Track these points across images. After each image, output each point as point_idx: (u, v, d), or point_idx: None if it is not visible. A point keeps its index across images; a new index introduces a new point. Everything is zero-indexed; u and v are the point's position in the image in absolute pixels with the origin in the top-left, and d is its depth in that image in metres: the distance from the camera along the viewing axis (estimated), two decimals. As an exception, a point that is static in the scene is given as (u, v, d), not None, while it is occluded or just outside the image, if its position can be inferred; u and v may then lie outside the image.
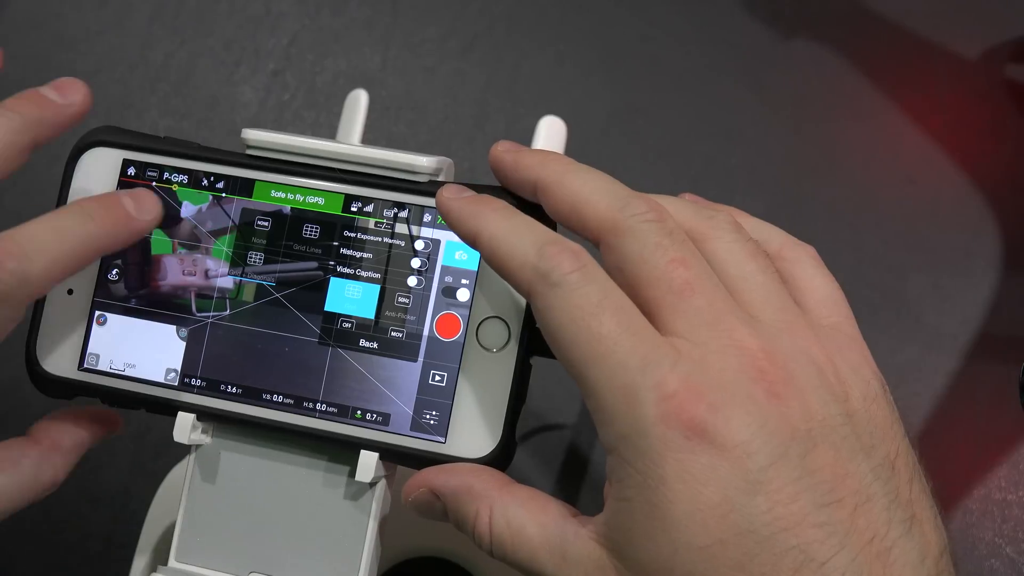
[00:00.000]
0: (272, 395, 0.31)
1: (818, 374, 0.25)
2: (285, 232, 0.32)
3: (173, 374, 0.32)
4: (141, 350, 0.32)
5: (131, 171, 0.33)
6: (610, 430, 0.25)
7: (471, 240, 0.28)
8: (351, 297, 0.32)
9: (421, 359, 0.31)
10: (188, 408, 0.32)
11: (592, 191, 0.28)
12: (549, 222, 0.29)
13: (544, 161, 0.29)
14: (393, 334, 0.31)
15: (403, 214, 0.31)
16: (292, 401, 0.31)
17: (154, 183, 0.33)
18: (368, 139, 0.51)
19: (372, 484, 0.31)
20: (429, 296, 0.31)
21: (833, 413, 0.25)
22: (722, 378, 0.25)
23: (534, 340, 0.30)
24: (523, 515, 0.27)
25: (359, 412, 0.31)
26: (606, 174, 0.29)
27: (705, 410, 0.24)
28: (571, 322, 0.25)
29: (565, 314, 0.26)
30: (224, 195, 0.32)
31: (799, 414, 0.24)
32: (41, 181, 0.55)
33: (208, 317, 0.32)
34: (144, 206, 0.30)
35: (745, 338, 0.25)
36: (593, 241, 0.28)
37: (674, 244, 0.26)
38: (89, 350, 0.32)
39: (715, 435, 0.24)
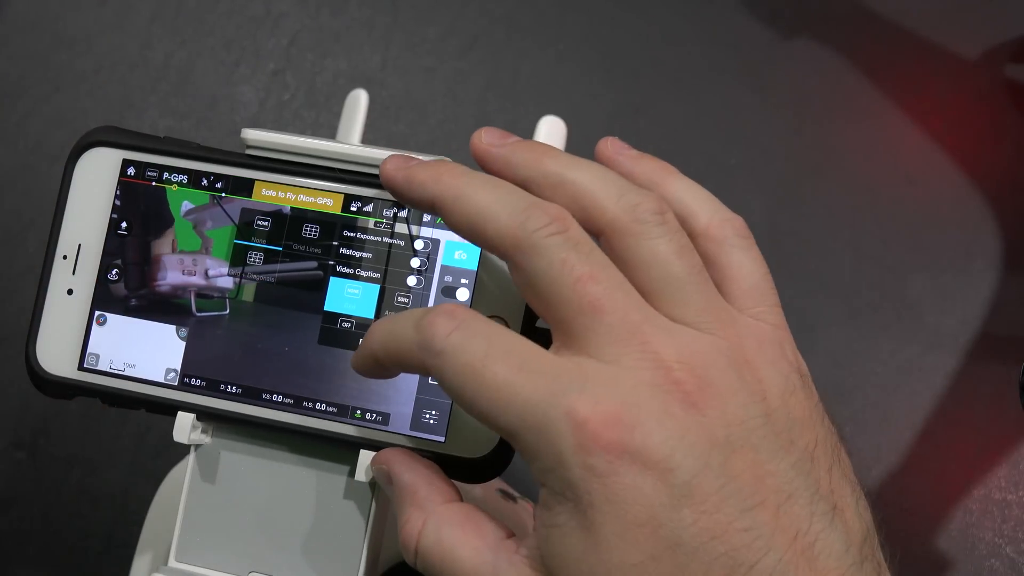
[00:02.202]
0: (272, 395, 0.31)
1: (737, 376, 0.25)
2: (285, 232, 0.32)
3: (173, 374, 0.32)
4: (141, 350, 0.32)
5: (131, 171, 0.33)
6: (536, 466, 0.25)
7: (377, 367, 0.28)
8: (351, 297, 0.32)
9: (421, 359, 0.31)
10: (188, 408, 0.32)
11: (489, 205, 0.26)
12: None
13: (438, 176, 0.28)
14: (393, 334, 0.31)
15: (403, 214, 0.31)
16: (292, 401, 0.31)
17: (154, 183, 0.33)
18: (368, 139, 0.51)
19: (372, 484, 0.31)
20: (429, 296, 0.31)
21: (752, 415, 0.25)
22: (636, 395, 0.24)
23: (533, 339, 0.30)
24: (457, 536, 0.27)
25: (359, 411, 0.31)
26: (504, 181, 0.27)
27: (621, 431, 0.24)
28: (466, 382, 0.25)
29: (458, 375, 0.25)
30: (224, 195, 0.32)
31: (718, 421, 0.24)
32: (41, 181, 0.55)
33: (208, 317, 0.32)
34: None
35: (660, 349, 0.25)
36: (500, 257, 0.27)
37: (580, 258, 0.25)
38: (89, 350, 0.32)
39: (635, 454, 0.24)
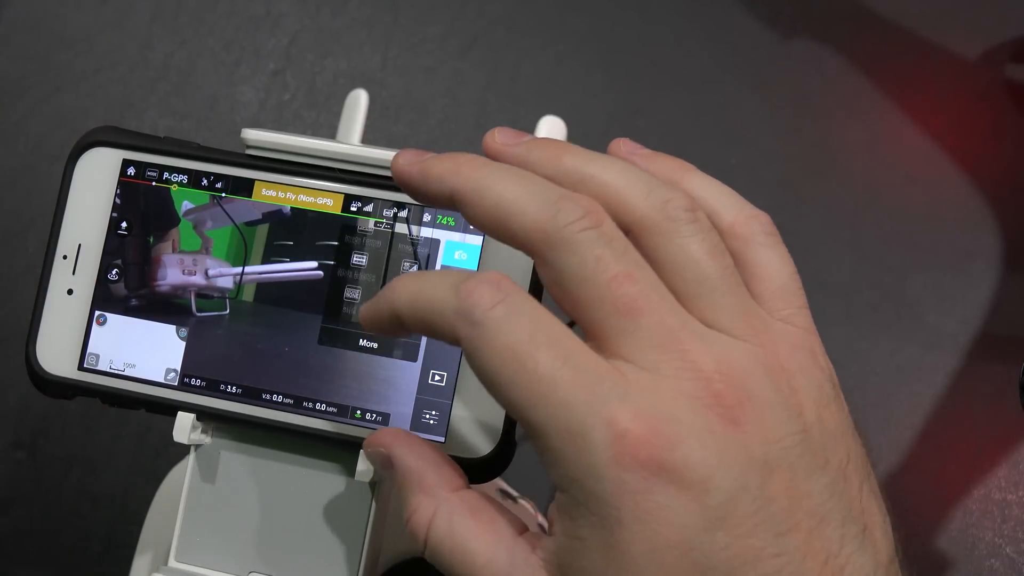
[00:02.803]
0: (272, 395, 0.31)
1: (773, 388, 0.24)
2: (285, 232, 0.32)
3: (173, 374, 0.32)
4: (141, 350, 0.32)
5: (131, 171, 0.33)
6: (560, 472, 0.24)
7: (395, 323, 0.26)
8: (351, 297, 0.32)
9: (421, 359, 0.31)
10: (188, 408, 0.32)
11: (516, 197, 0.25)
12: None
13: (456, 168, 0.26)
14: (393, 334, 0.31)
15: (403, 214, 0.31)
16: (292, 401, 0.31)
17: (154, 183, 0.33)
18: (368, 139, 0.51)
19: (372, 484, 0.31)
20: (429, 296, 0.31)
21: (790, 432, 0.24)
22: (676, 408, 0.23)
23: None
24: (470, 527, 0.26)
25: (359, 412, 0.31)
26: (527, 173, 0.26)
27: (662, 448, 0.23)
28: (503, 364, 0.23)
29: (496, 355, 0.23)
30: (224, 195, 0.32)
31: (756, 439, 0.24)
32: (41, 181, 0.55)
33: (208, 317, 0.32)
34: None
35: (699, 358, 0.24)
36: (526, 253, 0.25)
37: (616, 256, 0.24)
38: (89, 350, 0.32)
39: (672, 472, 0.23)
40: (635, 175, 0.26)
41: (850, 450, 0.25)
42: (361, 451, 0.31)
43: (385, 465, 0.28)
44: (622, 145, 0.28)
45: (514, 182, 0.25)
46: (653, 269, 0.25)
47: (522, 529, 0.26)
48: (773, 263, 0.27)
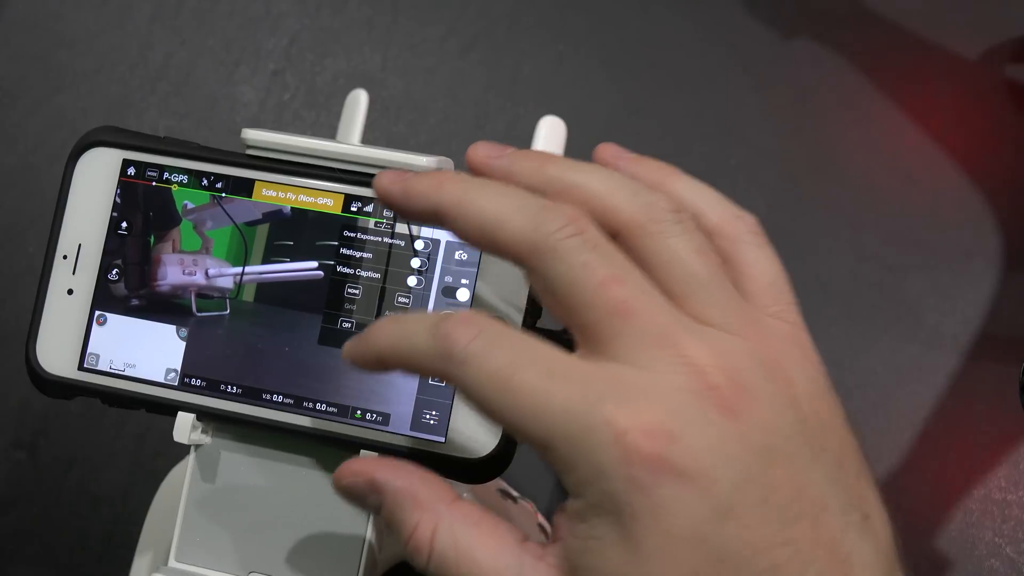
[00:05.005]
0: (272, 395, 0.31)
1: (769, 379, 0.25)
2: (285, 232, 0.32)
3: (173, 374, 0.32)
4: (141, 350, 0.32)
5: (131, 171, 0.33)
6: (572, 477, 0.24)
7: (380, 366, 0.27)
8: (351, 297, 0.32)
9: (421, 359, 0.31)
10: (188, 408, 0.32)
11: (499, 210, 0.25)
12: None
13: (438, 185, 0.26)
14: (393, 334, 0.31)
15: (403, 214, 0.31)
16: (292, 401, 0.31)
17: (154, 183, 0.33)
18: (368, 139, 0.51)
19: (372, 484, 0.31)
20: (429, 296, 0.31)
21: (788, 422, 0.24)
22: (674, 402, 0.24)
23: None
24: (473, 537, 0.26)
25: (359, 412, 0.31)
26: (509, 185, 0.26)
27: (663, 442, 0.23)
28: (493, 392, 0.24)
29: (485, 385, 0.24)
30: (224, 195, 0.32)
31: (756, 429, 0.24)
32: (41, 181, 0.55)
33: (208, 317, 0.32)
34: None
35: (693, 352, 0.24)
36: (515, 264, 0.26)
37: (602, 260, 0.25)
38: (89, 350, 0.32)
39: (676, 465, 0.23)
40: (619, 180, 0.26)
41: (844, 441, 0.26)
42: (361, 451, 0.31)
43: (366, 494, 0.27)
44: (607, 149, 0.29)
45: (496, 195, 0.26)
46: (642, 271, 0.25)
47: (523, 537, 0.26)
48: (761, 261, 0.28)
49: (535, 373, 0.24)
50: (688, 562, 0.23)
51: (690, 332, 0.25)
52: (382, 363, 0.27)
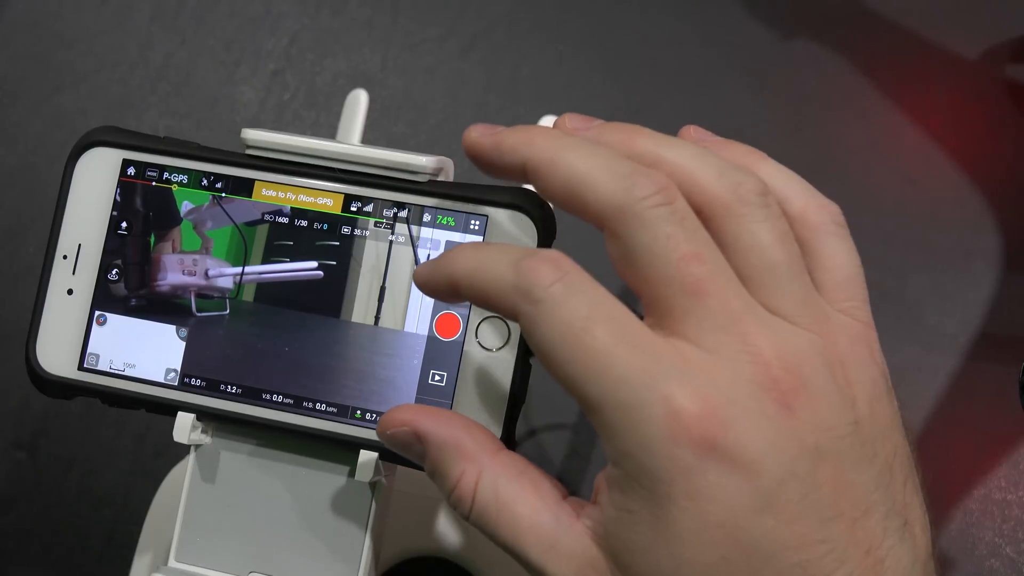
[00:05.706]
0: (272, 395, 0.31)
1: (830, 378, 0.25)
2: (285, 232, 0.32)
3: (173, 374, 0.32)
4: (141, 350, 0.32)
5: (131, 171, 0.33)
6: (614, 445, 0.24)
7: (451, 291, 0.26)
8: (351, 297, 0.32)
9: (421, 359, 0.31)
10: (188, 408, 0.32)
11: (590, 169, 0.25)
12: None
13: (530, 139, 0.26)
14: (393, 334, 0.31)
15: (403, 214, 0.31)
16: (292, 401, 0.31)
17: (154, 183, 0.33)
18: (368, 139, 0.51)
19: (372, 484, 0.31)
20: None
21: (842, 422, 0.24)
22: (734, 390, 0.24)
23: None
24: (515, 490, 0.26)
25: (359, 412, 0.31)
26: (604, 145, 0.26)
27: (716, 427, 0.23)
28: (561, 339, 0.24)
29: (554, 331, 0.24)
30: (224, 195, 0.32)
31: (809, 426, 0.24)
32: (41, 181, 0.55)
33: (208, 317, 0.32)
34: None
35: (759, 343, 0.24)
36: (596, 226, 0.25)
37: (686, 235, 0.24)
38: (89, 350, 0.32)
39: (725, 453, 0.23)
40: (709, 157, 0.26)
41: (897, 446, 0.26)
42: (361, 451, 0.31)
43: (412, 444, 0.27)
44: (692, 131, 0.29)
45: (589, 154, 0.25)
46: (721, 251, 0.25)
47: (564, 494, 0.26)
48: (840, 254, 0.27)
49: (606, 333, 0.24)
50: (719, 549, 0.23)
51: (759, 321, 0.25)
52: (454, 288, 0.26)
